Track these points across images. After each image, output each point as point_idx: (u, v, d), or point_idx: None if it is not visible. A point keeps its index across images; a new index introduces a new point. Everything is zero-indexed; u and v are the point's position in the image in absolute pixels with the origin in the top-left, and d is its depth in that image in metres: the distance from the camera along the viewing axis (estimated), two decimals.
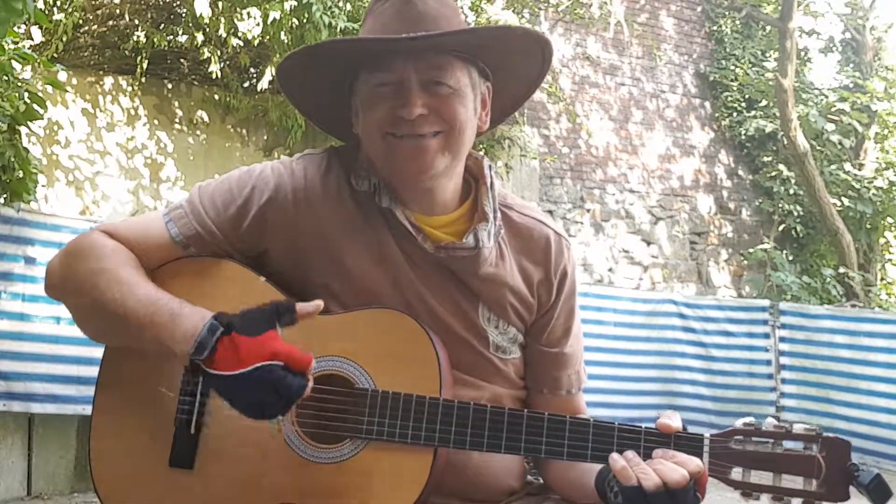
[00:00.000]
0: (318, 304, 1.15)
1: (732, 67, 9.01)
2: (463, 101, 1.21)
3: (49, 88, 4.34)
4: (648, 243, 8.35)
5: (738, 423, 1.12)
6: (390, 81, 1.19)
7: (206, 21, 4.62)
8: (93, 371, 1.31)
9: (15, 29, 3.47)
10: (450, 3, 1.25)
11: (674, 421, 1.12)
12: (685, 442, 1.11)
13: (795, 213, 8.86)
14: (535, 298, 1.32)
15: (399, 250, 1.25)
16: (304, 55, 1.23)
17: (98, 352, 1.26)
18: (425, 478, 1.14)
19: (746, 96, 8.96)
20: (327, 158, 1.30)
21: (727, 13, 9.16)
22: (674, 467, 1.05)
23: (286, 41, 4.77)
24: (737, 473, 1.10)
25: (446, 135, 1.20)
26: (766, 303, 6.04)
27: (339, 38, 1.28)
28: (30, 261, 3.96)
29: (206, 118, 5.46)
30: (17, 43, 3.68)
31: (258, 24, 4.70)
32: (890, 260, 9.79)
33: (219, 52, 5.03)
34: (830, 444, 1.08)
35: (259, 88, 5.04)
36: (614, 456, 1.09)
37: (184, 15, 5.05)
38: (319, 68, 1.25)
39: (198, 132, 5.45)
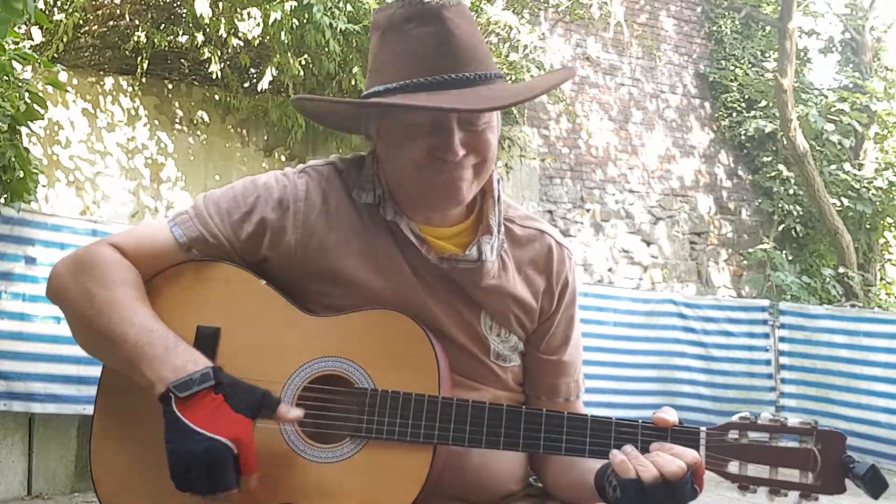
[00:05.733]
0: (299, 414, 1.14)
1: (732, 68, 9.02)
2: (494, 130, 1.22)
3: (49, 89, 4.34)
4: (648, 243, 8.36)
5: (735, 417, 1.13)
6: (426, 118, 1.17)
7: (207, 21, 4.63)
8: (93, 371, 1.32)
9: (15, 29, 3.48)
10: (472, 20, 1.24)
11: (670, 416, 1.13)
12: (681, 435, 1.11)
13: (795, 213, 8.87)
14: (538, 306, 1.33)
15: (403, 261, 1.25)
16: (328, 106, 1.26)
17: None
18: (424, 476, 1.14)
19: (746, 96, 8.98)
20: (330, 171, 1.31)
21: (727, 13, 9.17)
22: (671, 459, 1.06)
23: (286, 41, 4.78)
24: (734, 467, 1.10)
25: (479, 165, 1.21)
26: (765, 303, 6.05)
27: (381, 103, 1.18)
28: (30, 261, 3.97)
29: (206, 118, 5.47)
30: (17, 43, 3.68)
31: (258, 25, 4.70)
32: (889, 260, 9.80)
33: (219, 53, 5.03)
34: (826, 437, 1.09)
35: (259, 89, 5.04)
36: (614, 451, 1.10)
37: (184, 15, 5.05)
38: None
39: (198, 132, 5.46)
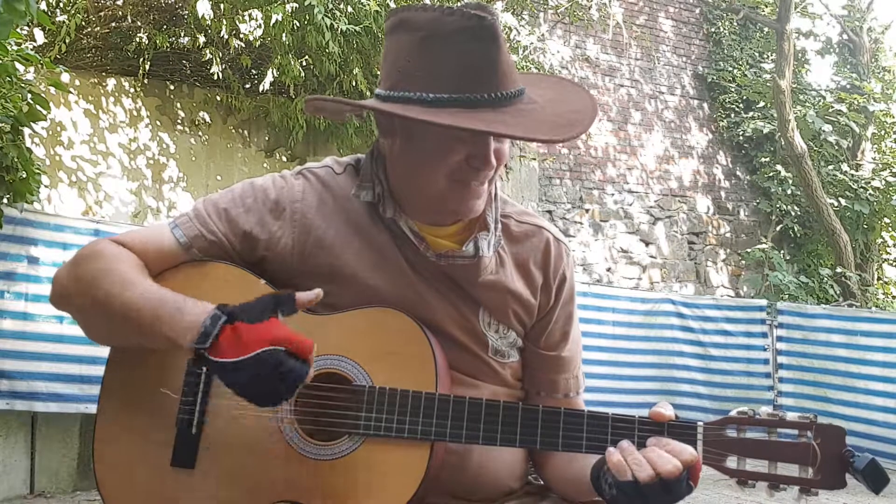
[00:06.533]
0: (318, 292, 1.17)
1: (730, 69, 9.05)
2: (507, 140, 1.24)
3: (52, 90, 4.35)
4: (647, 243, 8.38)
5: (733, 412, 1.12)
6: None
7: (208, 23, 4.63)
8: (95, 370, 1.34)
9: (18, 30, 3.49)
10: None
11: (666, 410, 1.12)
12: (678, 430, 1.11)
13: (793, 214, 8.90)
14: (536, 302, 1.33)
15: (402, 258, 1.26)
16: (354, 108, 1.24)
17: (100, 351, 1.27)
18: (422, 472, 1.15)
19: (744, 97, 9.00)
20: (327, 172, 1.32)
21: (725, 15, 9.20)
22: (667, 458, 1.05)
23: (287, 43, 4.79)
24: (732, 462, 1.10)
25: (495, 173, 1.23)
26: (763, 302, 6.07)
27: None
28: (33, 261, 3.98)
29: (207, 119, 5.48)
30: (20, 44, 3.69)
31: (260, 26, 4.71)
32: (886, 260, 9.83)
33: (220, 54, 5.04)
34: (825, 432, 1.08)
35: (260, 90, 5.05)
36: (610, 450, 1.10)
37: (186, 17, 5.06)
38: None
39: (200, 133, 5.47)
